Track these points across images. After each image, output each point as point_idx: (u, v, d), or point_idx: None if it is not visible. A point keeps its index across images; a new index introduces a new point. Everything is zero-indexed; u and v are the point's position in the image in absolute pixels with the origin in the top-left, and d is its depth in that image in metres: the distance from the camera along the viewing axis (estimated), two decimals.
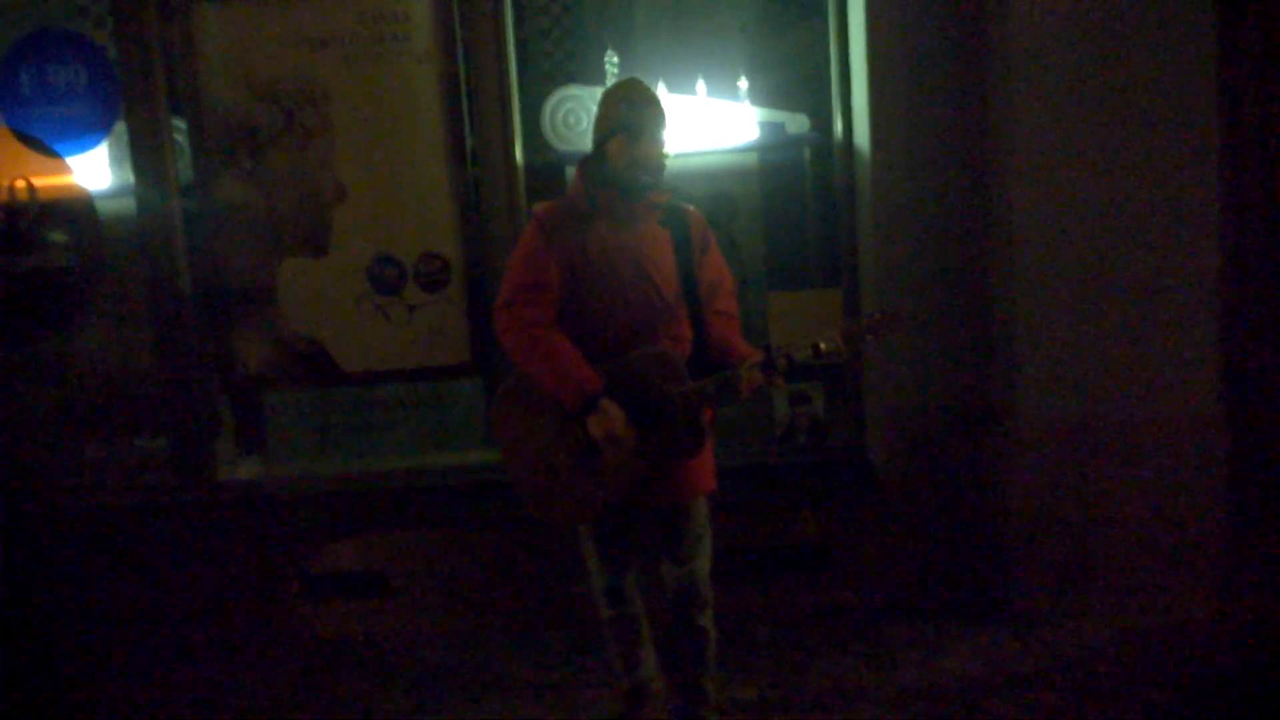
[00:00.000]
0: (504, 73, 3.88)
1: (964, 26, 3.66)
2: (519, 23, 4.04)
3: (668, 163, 2.86)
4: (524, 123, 4.01)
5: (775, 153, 4.27)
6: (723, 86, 4.11)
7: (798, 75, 4.18)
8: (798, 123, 4.16)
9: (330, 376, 4.08)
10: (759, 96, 4.14)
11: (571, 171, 4.04)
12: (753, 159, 4.28)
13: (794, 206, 4.31)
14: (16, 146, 3.94)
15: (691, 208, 2.95)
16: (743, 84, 4.11)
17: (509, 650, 3.80)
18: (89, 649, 4.00)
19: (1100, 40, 3.50)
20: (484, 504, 3.92)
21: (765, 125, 4.13)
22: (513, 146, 3.92)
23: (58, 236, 3.99)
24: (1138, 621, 3.65)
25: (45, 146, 3.95)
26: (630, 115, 2.79)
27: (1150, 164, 3.54)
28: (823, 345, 2.69)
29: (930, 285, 3.77)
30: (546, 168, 4.08)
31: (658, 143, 2.81)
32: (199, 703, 3.63)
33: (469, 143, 3.96)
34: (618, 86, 2.92)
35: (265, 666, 3.84)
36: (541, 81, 4.18)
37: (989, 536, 3.82)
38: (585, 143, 4.01)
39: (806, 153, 4.25)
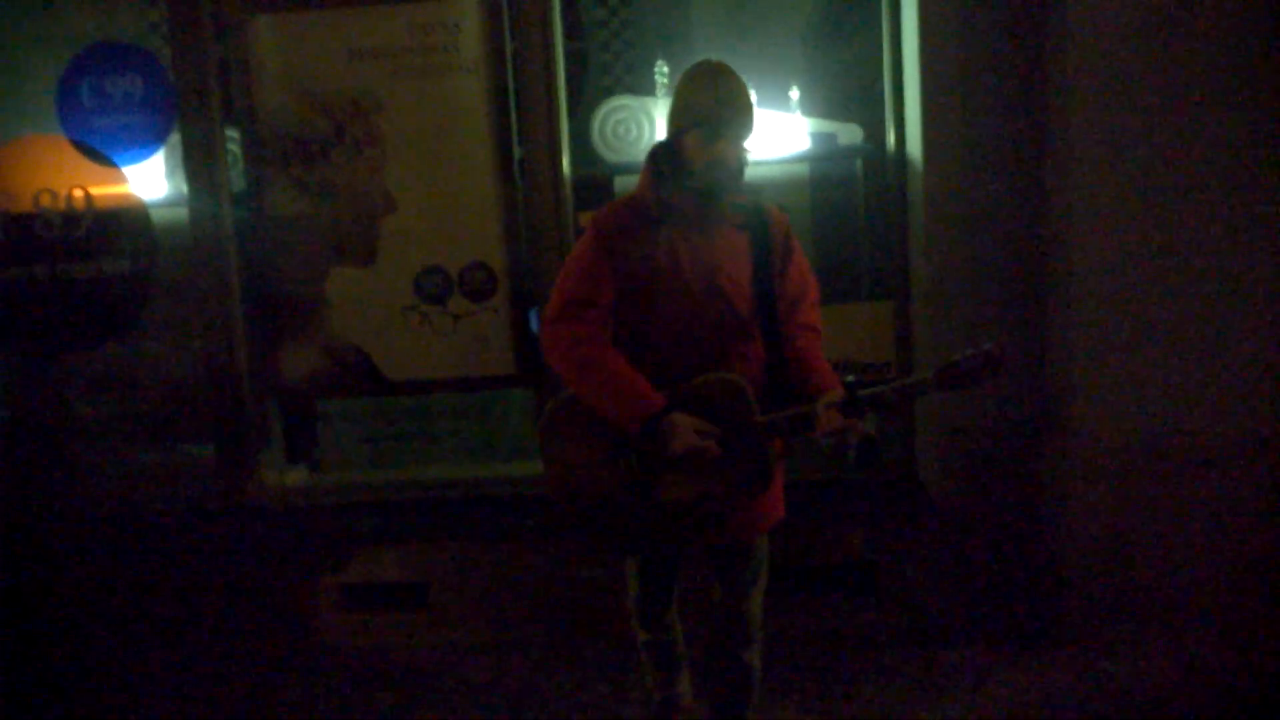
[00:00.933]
0: (553, 83, 3.86)
1: (1019, 35, 3.57)
2: (571, 34, 4.03)
3: (748, 163, 2.55)
4: (573, 134, 3.99)
5: (827, 164, 4.20)
6: (774, 97, 4.07)
7: (850, 86, 4.12)
8: (850, 133, 4.09)
9: (376, 386, 4.08)
10: (811, 107, 4.10)
11: (621, 182, 4.06)
12: (804, 170, 4.21)
13: (845, 218, 4.23)
14: (75, 156, 4.01)
15: (775, 208, 2.63)
16: (794, 94, 4.06)
17: (548, 666, 3.76)
18: (129, 654, 4.04)
19: (1159, 46, 3.39)
20: (526, 517, 3.89)
21: (817, 136, 4.08)
22: (560, 157, 3.90)
23: (114, 245, 4.04)
24: (1199, 652, 3.51)
25: (102, 156, 4.02)
26: (714, 107, 2.45)
27: (1213, 172, 3.42)
28: (912, 386, 2.42)
29: (984, 299, 3.67)
30: (595, 179, 4.05)
31: (740, 139, 2.49)
32: (236, 711, 3.65)
33: (517, 153, 3.94)
34: (700, 72, 2.53)
35: (302, 675, 3.84)
36: (591, 92, 4.16)
37: (1044, 560, 3.70)
38: (635, 153, 4.01)
39: (859, 164, 4.18)
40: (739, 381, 2.47)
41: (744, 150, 2.53)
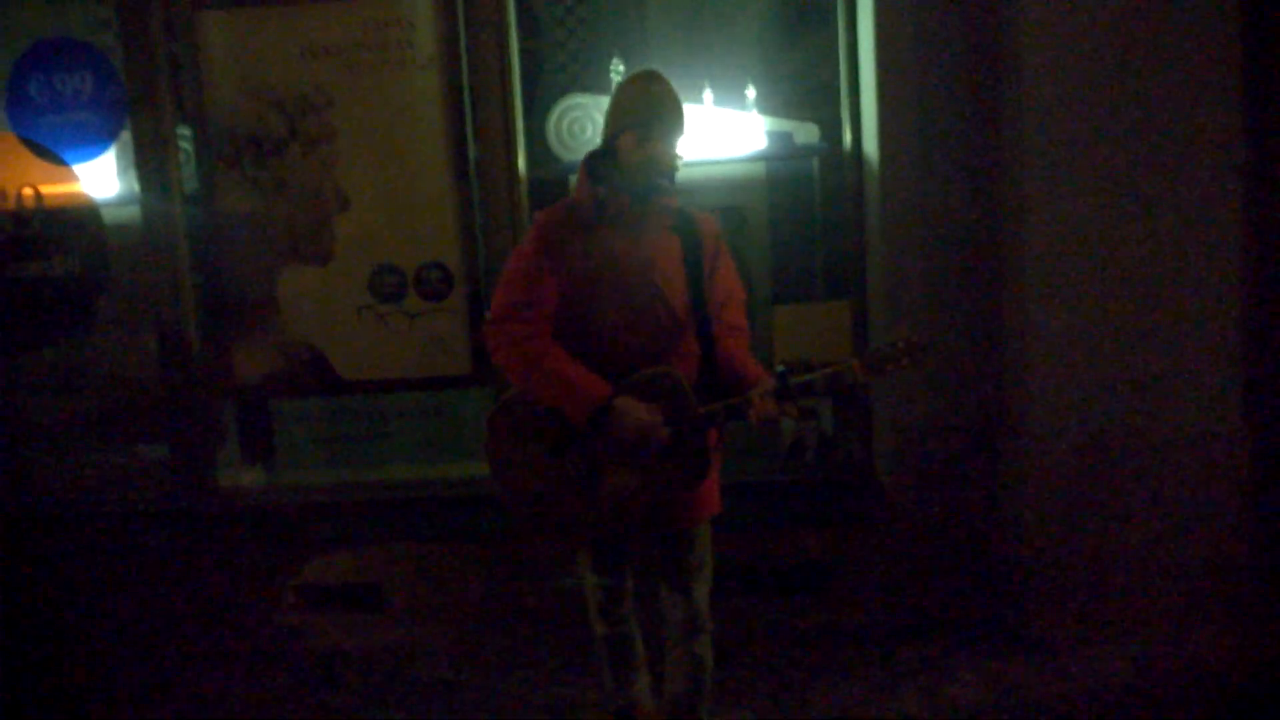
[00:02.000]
0: (507, 82, 3.85)
1: (975, 34, 3.57)
2: (527, 32, 4.00)
3: (680, 165, 2.65)
4: (528, 132, 3.97)
5: (783, 163, 4.19)
6: (730, 95, 4.06)
7: (807, 84, 4.11)
8: (807, 132, 4.09)
9: (331, 386, 4.05)
10: (767, 106, 4.09)
11: (575, 180, 4.03)
12: (760, 169, 4.20)
13: (802, 217, 4.23)
14: (24, 154, 3.94)
15: (704, 214, 2.74)
16: (750, 93, 4.05)
17: (505, 667, 3.74)
18: (85, 655, 3.99)
19: (1116, 49, 3.40)
20: (483, 517, 3.87)
21: (773, 135, 4.06)
22: (515, 156, 3.88)
23: (64, 244, 3.98)
24: (1156, 650, 3.52)
25: (52, 154, 3.95)
26: (646, 110, 2.56)
27: (1168, 173, 3.43)
28: (842, 374, 2.51)
29: (940, 298, 3.68)
30: (550, 178, 4.03)
31: (671, 140, 2.59)
32: (191, 712, 3.61)
33: (472, 152, 3.92)
34: (634, 78, 2.66)
35: (259, 677, 3.80)
36: (546, 91, 4.14)
37: (1001, 559, 3.71)
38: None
39: (815, 163, 4.17)
40: (676, 374, 2.56)
41: (676, 153, 2.63)
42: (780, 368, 2.55)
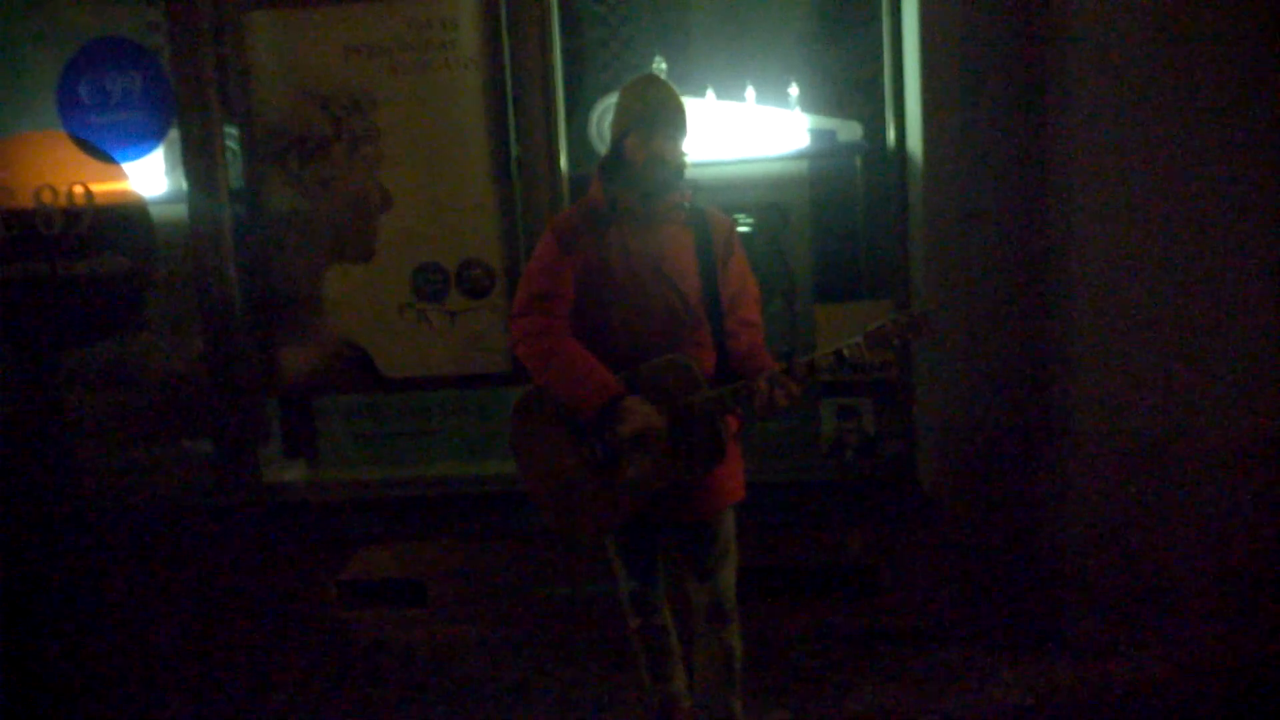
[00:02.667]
0: (549, 81, 3.86)
1: (1021, 31, 3.53)
2: (569, 30, 4.01)
3: (687, 163, 2.75)
4: (570, 131, 3.98)
5: (826, 161, 4.18)
6: (773, 93, 4.05)
7: (850, 82, 4.09)
8: (850, 130, 4.07)
9: (373, 383, 4.08)
10: (810, 103, 4.07)
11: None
12: (803, 167, 4.19)
13: (844, 215, 4.21)
14: (75, 152, 4.02)
15: (716, 210, 2.84)
16: (793, 91, 4.04)
17: (544, 664, 3.76)
18: (129, 646, 4.06)
19: (1163, 43, 3.35)
20: (523, 514, 3.89)
21: (816, 133, 4.05)
22: (557, 154, 3.89)
23: (113, 242, 4.04)
24: (1200, 654, 3.48)
25: (103, 152, 4.02)
26: (644, 110, 2.68)
27: (1218, 171, 3.38)
28: (845, 351, 2.58)
29: (984, 297, 3.64)
30: (591, 176, 4.02)
31: (675, 139, 2.70)
32: (235, 705, 3.65)
33: (514, 150, 3.94)
34: (632, 83, 2.81)
35: (300, 671, 3.85)
36: (588, 89, 4.15)
37: (1044, 560, 3.67)
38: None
39: (858, 161, 4.15)
40: (686, 361, 2.66)
41: (682, 150, 2.73)
42: (787, 348, 2.59)
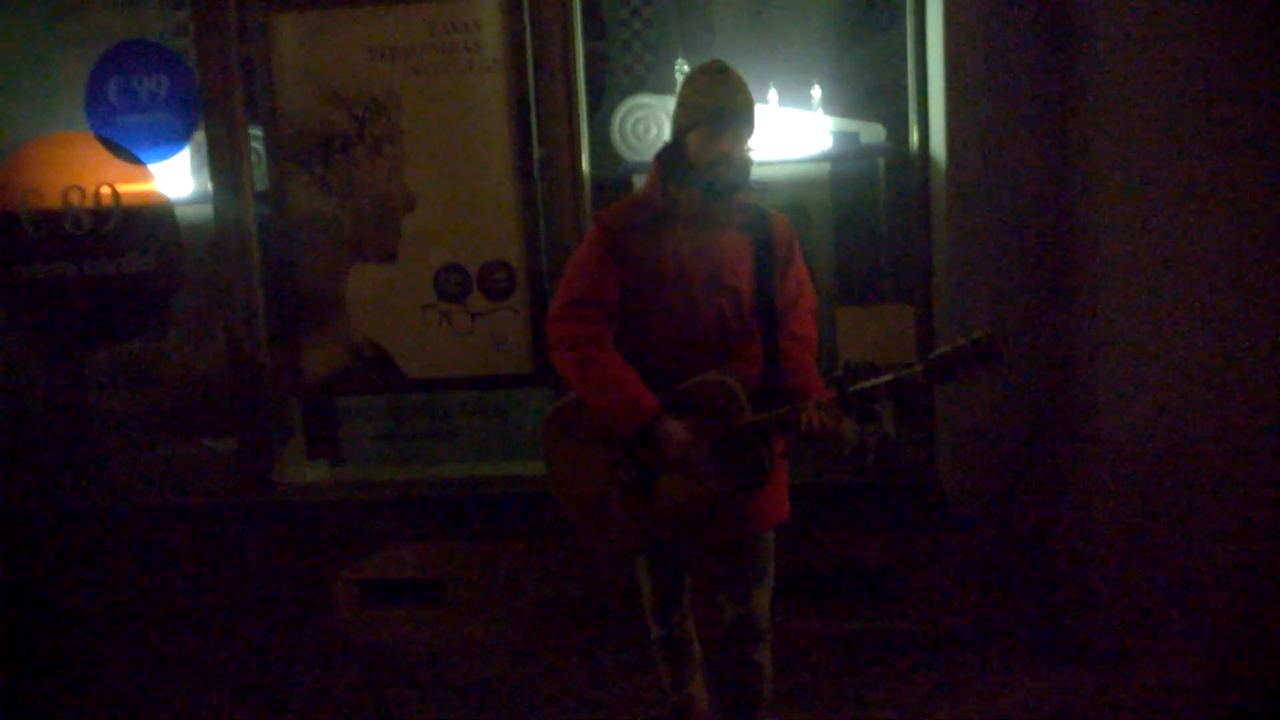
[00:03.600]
0: (573, 82, 3.85)
1: (1046, 33, 3.50)
2: (592, 32, 4.01)
3: (753, 162, 2.56)
4: (592, 133, 3.98)
5: (848, 163, 4.15)
6: (796, 95, 4.04)
7: (873, 84, 4.08)
8: (873, 132, 4.05)
9: (395, 383, 4.10)
10: (833, 105, 4.06)
11: (640, 181, 4.03)
12: (825, 169, 4.17)
13: (867, 218, 4.19)
14: (102, 153, 4.06)
15: (780, 214, 2.64)
16: (816, 92, 4.02)
17: (563, 665, 3.76)
18: (148, 644, 4.09)
19: (1191, 42, 3.31)
20: (543, 516, 3.88)
21: (839, 135, 4.04)
22: (580, 156, 3.89)
23: (139, 242, 4.08)
24: (1224, 662, 3.44)
25: (130, 153, 4.06)
26: (710, 105, 2.46)
27: (1247, 172, 3.33)
28: (904, 379, 2.38)
29: (1008, 301, 3.61)
30: (614, 178, 4.05)
31: (742, 137, 2.49)
32: (253, 703, 3.67)
33: (536, 152, 3.94)
34: (701, 70, 2.55)
35: (320, 669, 3.86)
36: (611, 91, 4.15)
37: (1067, 566, 3.64)
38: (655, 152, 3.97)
39: (881, 163, 4.13)
40: (729, 382, 2.48)
41: (748, 148, 2.54)
42: (838, 373, 2.45)
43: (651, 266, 2.54)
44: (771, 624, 2.78)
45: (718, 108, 2.47)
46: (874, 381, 2.41)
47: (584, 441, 2.63)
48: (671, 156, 2.56)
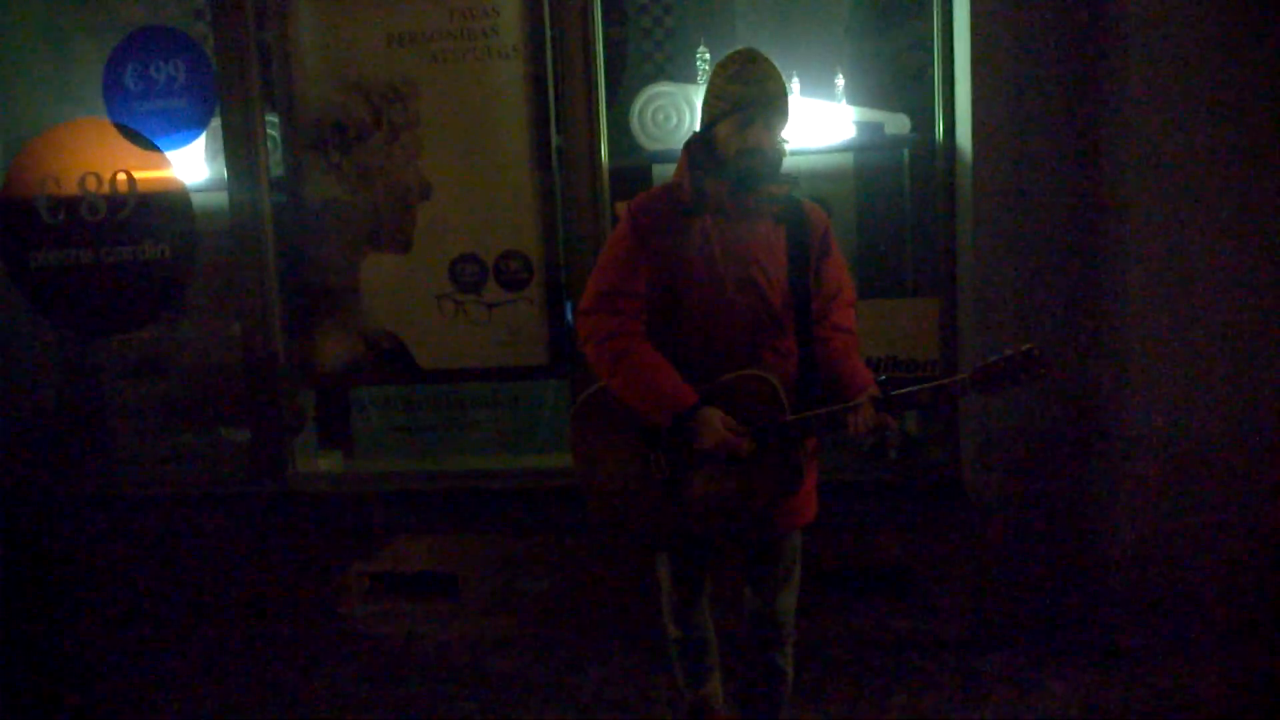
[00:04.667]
0: (592, 70, 3.80)
1: (1074, 20, 3.43)
2: (611, 19, 3.96)
3: (786, 152, 2.48)
4: (612, 121, 3.92)
5: (873, 154, 4.10)
6: (820, 84, 3.98)
7: (898, 73, 4.01)
8: (898, 123, 3.98)
9: (409, 374, 4.07)
10: (857, 95, 3.99)
11: (660, 170, 3.99)
12: (848, 160, 4.11)
13: (891, 210, 4.12)
14: (119, 140, 4.04)
15: (814, 205, 2.59)
16: (840, 82, 3.96)
17: (576, 661, 3.72)
18: (160, 634, 4.08)
19: (1221, 34, 3.23)
20: (558, 510, 3.85)
21: (863, 125, 3.97)
22: (599, 146, 3.84)
23: (156, 229, 4.06)
24: (1252, 665, 3.37)
25: (146, 140, 4.04)
26: (744, 94, 2.40)
27: (1274, 175, 3.24)
28: (950, 387, 2.33)
29: (1033, 298, 3.54)
30: (633, 167, 3.99)
31: (774, 127, 2.43)
32: (264, 695, 3.65)
33: (555, 141, 3.89)
34: (731, 59, 2.48)
35: (331, 662, 3.84)
36: (631, 79, 4.10)
37: (1090, 567, 3.57)
38: (675, 142, 3.93)
39: (905, 154, 4.06)
40: (770, 379, 2.42)
41: (781, 139, 2.47)
42: (882, 377, 2.39)
43: (681, 259, 2.48)
44: (794, 628, 2.73)
45: (748, 96, 2.41)
46: (917, 387, 2.36)
47: (614, 433, 2.57)
48: (701, 147, 2.50)
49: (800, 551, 2.68)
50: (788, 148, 2.51)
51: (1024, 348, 2.28)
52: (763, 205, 2.49)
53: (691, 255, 2.47)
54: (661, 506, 2.54)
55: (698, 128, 2.58)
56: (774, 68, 2.46)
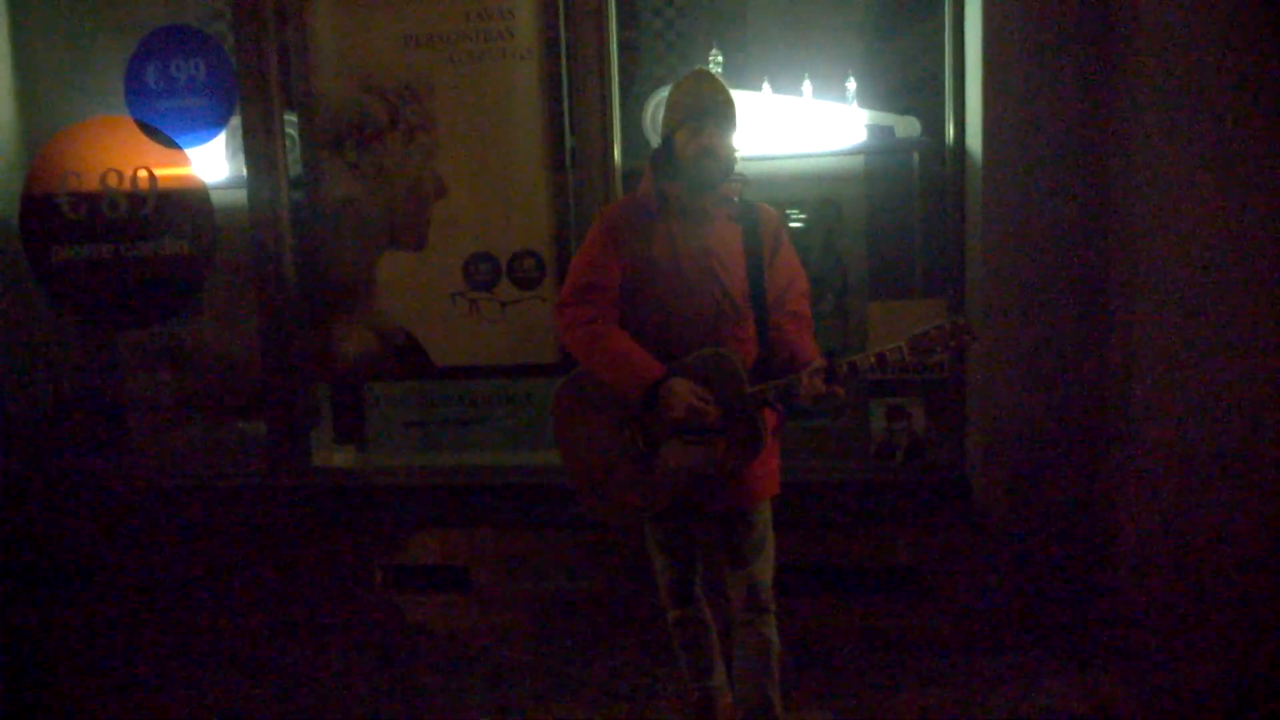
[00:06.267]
0: (605, 72, 3.85)
1: (1085, 24, 3.45)
2: (625, 22, 4.00)
3: (737, 157, 2.78)
4: (624, 123, 3.97)
5: (883, 156, 4.12)
6: (830, 87, 4.00)
7: (909, 76, 4.03)
8: (908, 126, 4.00)
9: (423, 370, 4.12)
10: (868, 98, 4.02)
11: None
12: (859, 162, 4.14)
13: (900, 212, 4.14)
14: (140, 137, 4.10)
15: (764, 205, 2.86)
16: (851, 85, 3.98)
17: (585, 654, 3.76)
18: (176, 625, 4.13)
19: (1233, 36, 3.24)
20: (568, 505, 3.87)
21: (873, 128, 3.99)
22: (611, 147, 3.88)
23: (176, 225, 4.12)
24: (1260, 668, 3.37)
25: (167, 138, 4.10)
26: (694, 104, 2.72)
27: None
28: (888, 355, 2.60)
29: (1042, 297, 3.56)
30: (643, 169, 4.00)
31: (724, 132, 2.73)
32: (278, 686, 3.70)
33: (568, 142, 3.94)
34: (684, 78, 2.85)
35: (344, 654, 3.89)
36: (644, 81, 4.13)
37: (1096, 568, 3.59)
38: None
39: (916, 157, 4.08)
40: (729, 355, 2.69)
41: (732, 145, 2.76)
42: (831, 348, 2.57)
43: (648, 257, 2.75)
44: (774, 598, 2.85)
45: (699, 106, 2.72)
46: (859, 355, 2.63)
47: (592, 412, 2.83)
48: (662, 156, 2.80)
49: (770, 524, 2.87)
50: (740, 154, 2.81)
51: (956, 320, 2.68)
52: (719, 206, 2.77)
53: (657, 254, 2.75)
54: (636, 477, 2.78)
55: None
56: (721, 83, 2.79)
